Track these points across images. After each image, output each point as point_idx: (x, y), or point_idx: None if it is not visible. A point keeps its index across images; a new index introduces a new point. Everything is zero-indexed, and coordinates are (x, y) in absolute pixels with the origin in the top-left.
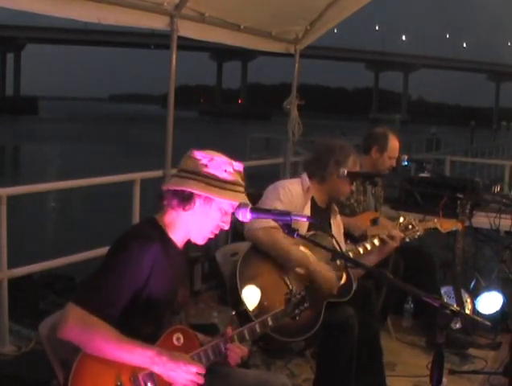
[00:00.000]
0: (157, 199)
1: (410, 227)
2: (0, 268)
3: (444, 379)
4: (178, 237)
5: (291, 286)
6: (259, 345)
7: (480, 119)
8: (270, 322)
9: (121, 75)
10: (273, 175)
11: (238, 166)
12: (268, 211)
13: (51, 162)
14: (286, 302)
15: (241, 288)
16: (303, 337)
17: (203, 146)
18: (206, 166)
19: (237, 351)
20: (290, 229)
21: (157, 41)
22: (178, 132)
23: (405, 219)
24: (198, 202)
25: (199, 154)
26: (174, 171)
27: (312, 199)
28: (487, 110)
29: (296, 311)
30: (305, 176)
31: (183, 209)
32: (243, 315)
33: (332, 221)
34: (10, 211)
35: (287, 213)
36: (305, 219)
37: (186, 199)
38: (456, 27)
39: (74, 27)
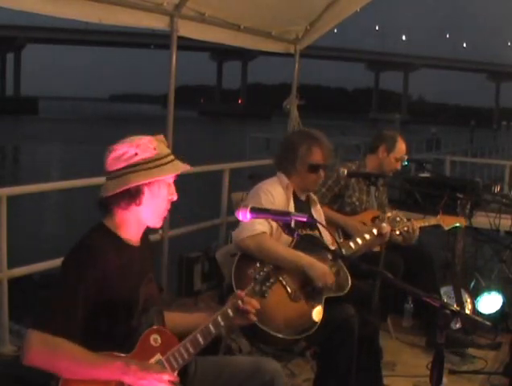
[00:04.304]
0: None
1: (397, 219)
2: (0, 268)
3: (444, 379)
4: (132, 234)
5: (287, 287)
6: (259, 347)
7: (480, 119)
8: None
9: (121, 75)
10: (273, 175)
11: (159, 137)
12: (267, 211)
13: (51, 162)
14: (252, 281)
15: (237, 287)
16: (305, 334)
17: (203, 146)
18: (136, 154)
19: (252, 303)
20: (290, 229)
21: (157, 41)
22: (178, 132)
23: (392, 213)
24: (146, 191)
25: (121, 148)
26: None
27: (294, 194)
28: (487, 110)
29: (263, 288)
30: (280, 173)
31: (136, 205)
32: (228, 290)
33: (313, 212)
34: (10, 211)
35: (287, 213)
36: (305, 220)
37: (134, 194)
38: (456, 27)
39: (74, 27)
